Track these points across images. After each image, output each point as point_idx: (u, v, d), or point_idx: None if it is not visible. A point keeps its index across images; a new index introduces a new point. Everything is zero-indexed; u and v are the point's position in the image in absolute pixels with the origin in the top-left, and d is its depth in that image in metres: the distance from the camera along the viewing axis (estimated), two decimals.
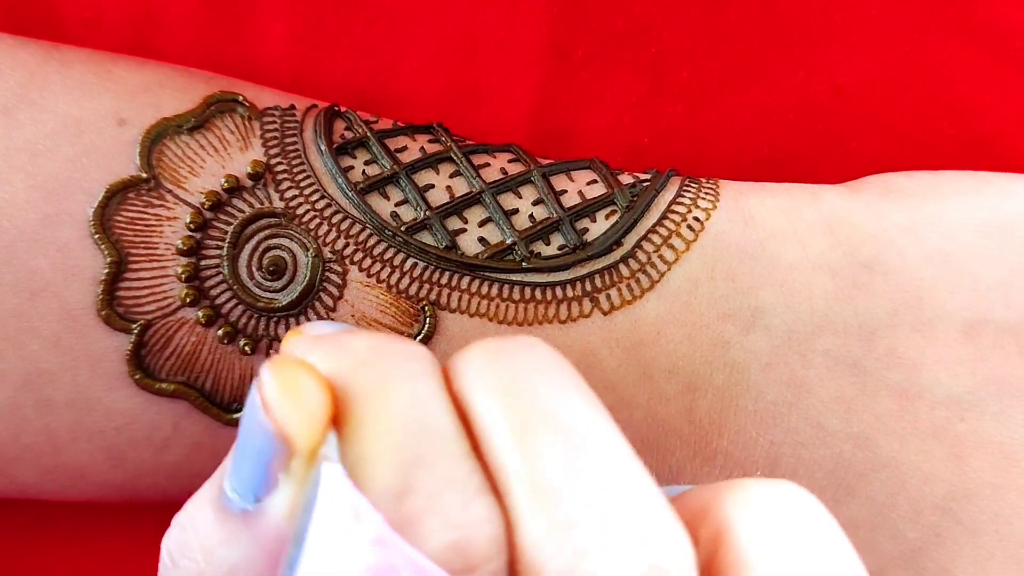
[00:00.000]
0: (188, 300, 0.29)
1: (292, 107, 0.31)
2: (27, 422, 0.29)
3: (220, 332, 0.29)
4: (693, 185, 0.31)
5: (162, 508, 0.36)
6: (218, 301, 0.29)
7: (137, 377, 0.29)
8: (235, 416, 0.29)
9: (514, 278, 0.29)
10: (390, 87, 0.36)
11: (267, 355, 0.29)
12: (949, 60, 0.37)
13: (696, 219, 0.30)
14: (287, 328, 0.29)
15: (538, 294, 0.29)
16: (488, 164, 0.31)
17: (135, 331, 0.29)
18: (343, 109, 0.32)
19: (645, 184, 0.31)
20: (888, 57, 0.37)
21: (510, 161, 0.31)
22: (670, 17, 0.36)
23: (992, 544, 0.30)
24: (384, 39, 0.36)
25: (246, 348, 0.29)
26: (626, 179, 0.31)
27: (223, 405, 0.29)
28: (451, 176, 0.30)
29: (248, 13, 0.35)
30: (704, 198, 0.31)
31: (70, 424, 0.29)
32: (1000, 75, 0.37)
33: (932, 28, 0.36)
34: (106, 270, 0.28)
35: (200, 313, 0.29)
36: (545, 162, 0.32)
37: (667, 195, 0.31)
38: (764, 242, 0.30)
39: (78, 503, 0.37)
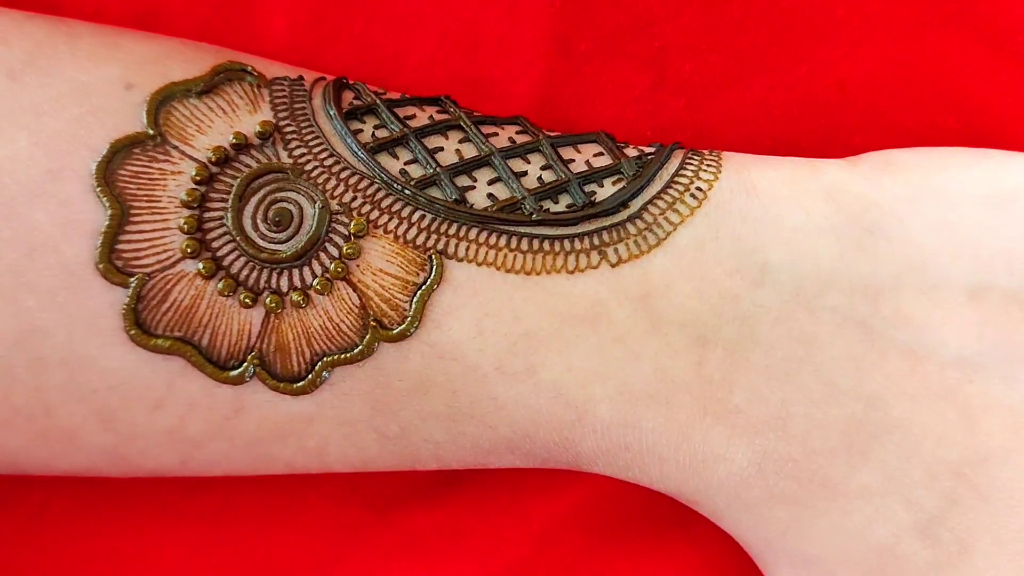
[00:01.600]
0: (189, 251, 0.28)
1: (301, 77, 0.31)
2: (19, 382, 0.28)
3: (220, 284, 0.28)
4: (696, 157, 0.31)
5: (159, 503, 0.36)
6: (220, 253, 0.29)
7: (132, 333, 0.28)
8: (231, 373, 0.29)
9: (523, 230, 0.29)
10: (392, 81, 0.36)
11: (266, 307, 0.28)
12: (952, 55, 0.37)
13: (699, 189, 0.30)
14: (290, 280, 0.29)
15: (546, 245, 0.29)
16: (496, 134, 0.31)
17: (133, 284, 0.28)
18: (352, 81, 0.32)
19: (650, 157, 0.31)
20: (891, 52, 0.37)
21: (518, 132, 0.31)
22: (673, 12, 0.37)
23: (1007, 512, 0.29)
24: (386, 33, 0.36)
25: (246, 301, 0.28)
26: (631, 152, 0.32)
27: (219, 362, 0.29)
28: (460, 142, 0.30)
29: (251, 6, 0.35)
30: (707, 170, 0.31)
31: (62, 383, 0.28)
32: (1003, 70, 0.38)
33: (935, 23, 0.37)
34: (106, 222, 0.28)
35: (201, 265, 0.28)
36: (552, 134, 0.32)
37: (671, 167, 0.31)
38: (767, 207, 0.30)
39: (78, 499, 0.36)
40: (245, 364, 0.29)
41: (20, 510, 0.36)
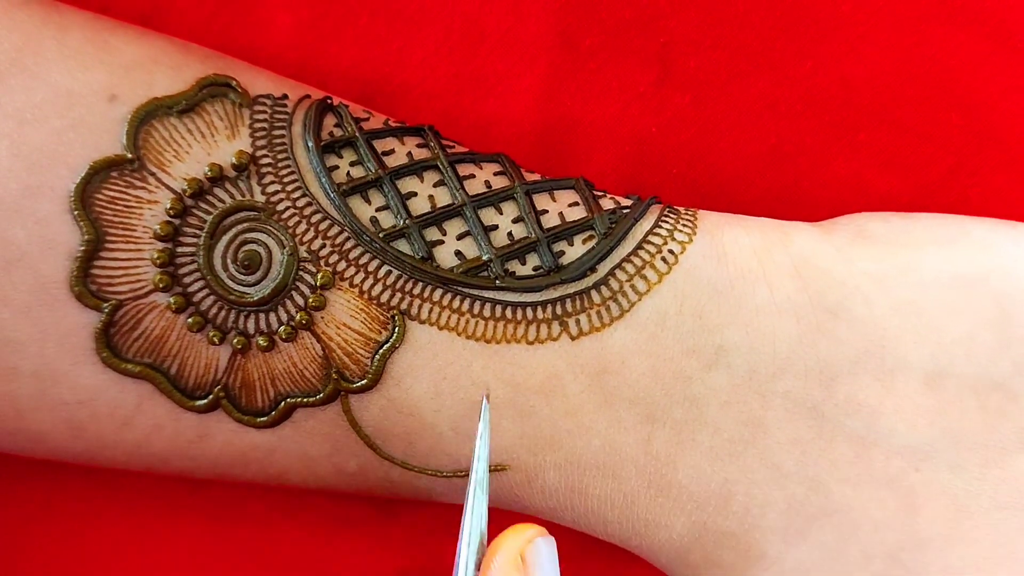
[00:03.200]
0: (161, 285, 0.29)
1: (284, 96, 0.31)
2: None
3: (190, 320, 0.29)
4: (672, 216, 0.31)
5: (161, 501, 0.37)
6: (190, 289, 0.29)
7: (104, 355, 0.29)
8: (198, 403, 0.30)
9: (486, 295, 0.30)
10: (396, 77, 0.36)
11: (233, 347, 0.29)
12: (956, 51, 0.37)
13: (671, 252, 0.30)
14: (256, 323, 0.29)
15: (508, 313, 0.30)
16: (473, 175, 0.31)
17: (106, 310, 0.29)
18: (335, 103, 0.31)
19: (625, 211, 0.31)
20: (895, 48, 0.36)
21: (496, 174, 0.31)
22: (678, 7, 0.36)
23: None
24: (390, 28, 0.36)
25: (214, 339, 0.29)
26: (607, 203, 0.31)
27: (187, 391, 0.29)
28: (435, 185, 0.30)
29: (254, 3, 0.35)
30: (681, 230, 0.31)
31: (33, 393, 0.29)
32: (1007, 66, 0.37)
33: (939, 19, 0.36)
34: (82, 247, 0.28)
35: (171, 299, 0.29)
36: (531, 178, 0.32)
37: (645, 224, 0.31)
38: (734, 281, 0.30)
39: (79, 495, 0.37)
40: (211, 396, 0.30)
41: (23, 507, 0.37)
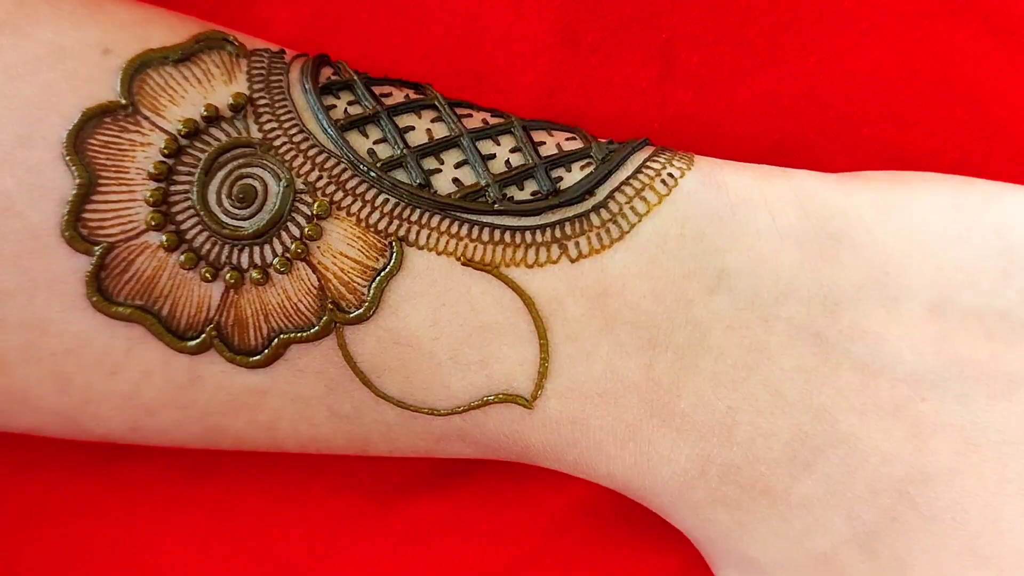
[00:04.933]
0: (153, 224, 0.28)
1: (282, 51, 0.31)
2: None
3: (182, 257, 0.28)
4: (667, 152, 0.31)
5: (158, 496, 0.36)
6: (183, 227, 0.28)
7: (94, 299, 0.28)
8: (189, 343, 0.29)
9: (484, 219, 0.29)
10: (396, 73, 0.36)
11: (226, 283, 0.28)
12: (961, 46, 0.37)
13: (670, 175, 0.30)
14: (250, 257, 0.29)
15: (507, 237, 0.29)
16: (471, 115, 0.31)
17: (97, 253, 0.28)
18: (334, 60, 0.32)
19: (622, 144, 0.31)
20: (899, 43, 0.37)
21: (492, 116, 0.31)
22: (680, 2, 0.36)
23: (947, 532, 0.29)
24: (391, 25, 0.36)
25: (206, 275, 0.28)
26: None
27: (178, 332, 0.29)
28: (432, 121, 0.30)
29: None
30: (677, 164, 0.30)
31: (21, 345, 0.29)
32: (1012, 61, 0.37)
33: (944, 14, 0.37)
34: (74, 191, 0.28)
35: (164, 237, 0.28)
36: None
37: (642, 154, 0.31)
38: (735, 207, 0.30)
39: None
40: (203, 335, 0.29)
41: (19, 501, 0.36)
